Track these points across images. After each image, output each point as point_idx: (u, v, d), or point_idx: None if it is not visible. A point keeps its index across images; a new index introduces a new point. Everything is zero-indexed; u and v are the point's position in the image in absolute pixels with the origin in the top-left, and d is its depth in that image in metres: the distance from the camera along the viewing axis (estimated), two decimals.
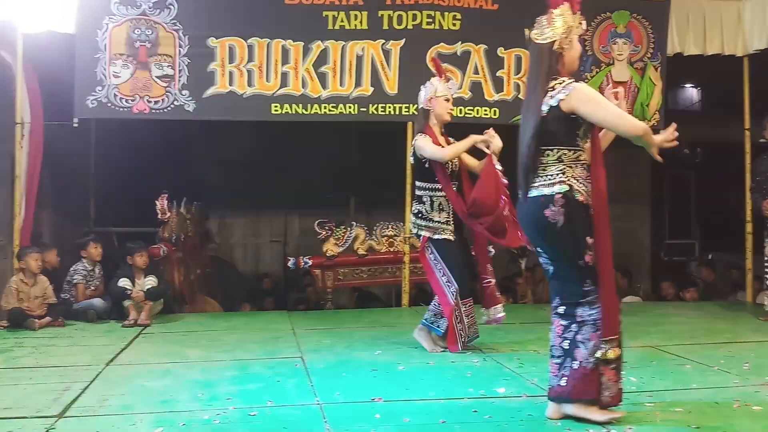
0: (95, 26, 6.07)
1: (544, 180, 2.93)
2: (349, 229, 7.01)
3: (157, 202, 6.63)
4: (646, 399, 3.33)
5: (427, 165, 4.40)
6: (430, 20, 6.45)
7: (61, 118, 6.30)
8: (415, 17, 6.43)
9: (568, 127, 2.92)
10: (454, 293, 4.30)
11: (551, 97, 2.91)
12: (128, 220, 7.82)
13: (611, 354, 2.91)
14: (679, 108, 11.22)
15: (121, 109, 6.14)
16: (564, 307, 2.98)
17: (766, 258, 5.74)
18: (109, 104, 6.10)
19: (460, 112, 6.48)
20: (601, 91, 6.69)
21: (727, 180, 5.93)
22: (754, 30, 6.78)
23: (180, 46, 6.19)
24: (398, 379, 3.77)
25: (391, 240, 6.96)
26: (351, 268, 6.97)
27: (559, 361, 2.98)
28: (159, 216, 6.66)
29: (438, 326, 4.45)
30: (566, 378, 2.95)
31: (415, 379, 3.77)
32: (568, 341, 2.95)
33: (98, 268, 6.26)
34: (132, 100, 6.14)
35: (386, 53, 6.42)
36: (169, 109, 6.21)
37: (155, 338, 5.16)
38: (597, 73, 6.80)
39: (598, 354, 2.90)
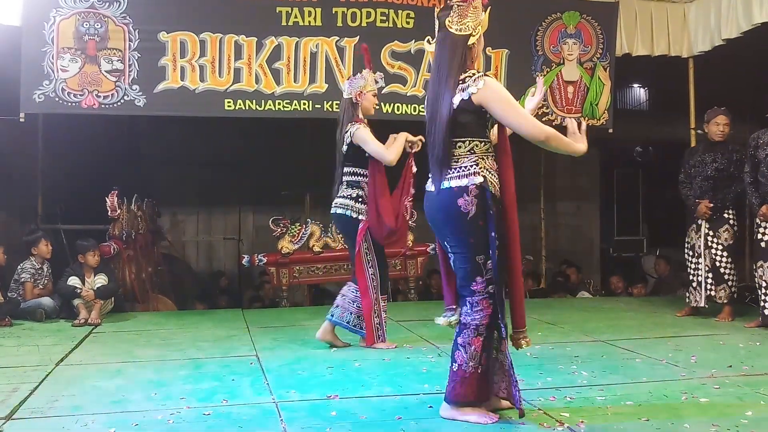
0: (42, 19, 5.91)
1: (458, 172, 2.93)
2: (304, 226, 6.99)
3: (107, 199, 6.50)
4: (597, 393, 3.41)
5: (367, 154, 4.38)
6: (384, 18, 6.47)
7: (7, 112, 6.12)
8: (369, 15, 6.44)
9: (479, 119, 2.94)
10: (376, 287, 4.37)
11: (462, 90, 2.91)
12: (77, 217, 7.65)
13: (524, 344, 3.03)
14: (627, 107, 11.50)
15: (70, 104, 6.00)
16: (461, 306, 3.03)
17: (687, 252, 5.89)
18: (57, 99, 5.95)
19: (415, 110, 6.53)
20: (553, 92, 6.91)
21: (674, 178, 6.10)
22: (698, 32, 6.98)
23: (130, 40, 6.07)
24: (354, 376, 3.78)
25: None
26: (306, 265, 6.95)
27: (450, 360, 3.03)
28: (109, 213, 6.54)
29: (362, 328, 4.46)
30: (449, 378, 2.99)
31: (371, 375, 3.78)
32: (454, 342, 2.99)
33: (47, 266, 6.12)
34: (80, 95, 6.00)
35: (340, 50, 6.42)
36: (119, 104, 6.09)
37: (106, 337, 5.06)
38: (547, 72, 6.90)
39: (523, 345, 3.00)
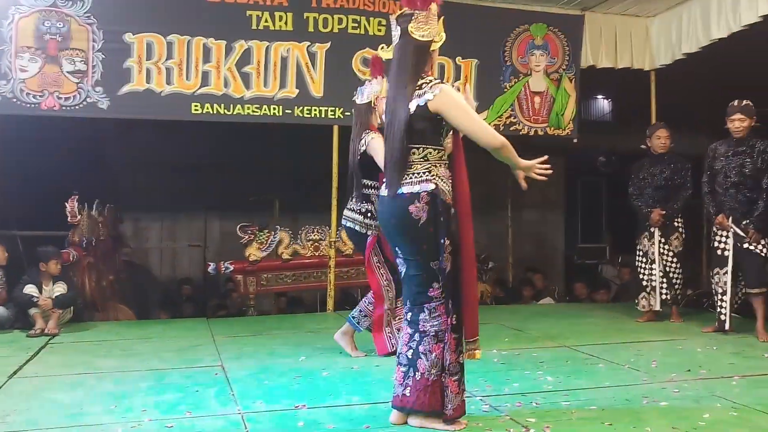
0: (0, 16, 5.76)
1: (411, 178, 2.95)
2: (273, 233, 6.92)
3: (66, 204, 6.35)
4: (562, 398, 3.44)
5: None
6: (356, 25, 6.47)
7: None
8: (340, 21, 6.43)
9: (434, 127, 2.96)
10: (392, 298, 4.33)
11: (419, 96, 2.94)
12: (35, 223, 7.44)
13: (478, 354, 3.05)
14: (591, 118, 11.68)
15: (28, 105, 5.83)
16: (411, 314, 3.02)
17: (639, 260, 6.00)
18: (15, 100, 5.79)
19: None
20: (520, 102, 6.98)
21: None
22: (660, 46, 7.17)
23: (94, 41, 5.94)
24: (322, 385, 3.74)
25: (316, 244, 6.92)
26: (275, 273, 6.88)
27: (404, 369, 3.00)
28: (68, 219, 6.38)
29: (359, 324, 4.48)
30: (410, 388, 2.97)
31: (339, 384, 3.75)
32: (412, 350, 2.98)
33: (1, 273, 5.92)
34: (40, 96, 5.85)
35: (312, 55, 6.38)
36: (81, 106, 5.95)
37: (64, 348, 4.92)
38: (515, 83, 6.98)
39: (464, 354, 2.99)
